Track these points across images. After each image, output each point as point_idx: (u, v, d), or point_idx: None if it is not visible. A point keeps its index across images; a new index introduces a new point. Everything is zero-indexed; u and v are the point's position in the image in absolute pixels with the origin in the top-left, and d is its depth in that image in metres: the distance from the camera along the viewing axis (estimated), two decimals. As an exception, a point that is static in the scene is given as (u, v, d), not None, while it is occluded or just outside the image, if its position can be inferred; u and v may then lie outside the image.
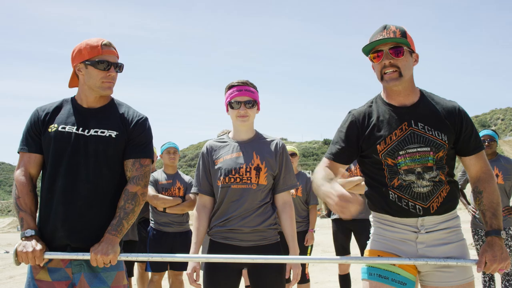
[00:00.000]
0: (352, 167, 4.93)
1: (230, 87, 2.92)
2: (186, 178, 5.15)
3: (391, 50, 2.28)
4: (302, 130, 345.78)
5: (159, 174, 5.09)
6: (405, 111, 2.32)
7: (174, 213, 4.90)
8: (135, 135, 2.47)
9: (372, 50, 2.34)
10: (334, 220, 5.47)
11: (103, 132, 2.42)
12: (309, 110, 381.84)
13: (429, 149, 2.25)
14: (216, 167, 2.86)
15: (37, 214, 2.42)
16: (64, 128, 2.41)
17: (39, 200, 2.43)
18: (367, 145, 2.34)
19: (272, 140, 2.95)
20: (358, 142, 2.37)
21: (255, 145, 2.90)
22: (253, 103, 2.88)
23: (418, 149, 2.25)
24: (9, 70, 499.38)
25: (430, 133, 2.27)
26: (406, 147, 2.26)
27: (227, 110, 2.95)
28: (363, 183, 4.87)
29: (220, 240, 2.81)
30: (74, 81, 2.55)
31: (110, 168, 2.41)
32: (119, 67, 2.49)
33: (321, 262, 5.67)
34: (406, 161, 2.25)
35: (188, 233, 5.03)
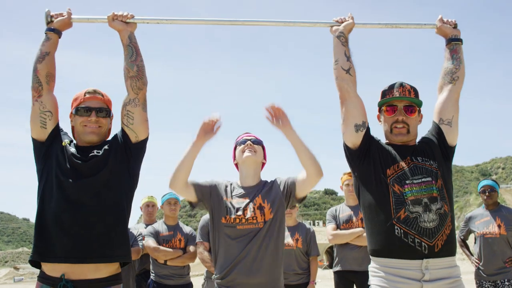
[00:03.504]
0: (354, 218, 4.89)
1: (238, 137, 3.05)
2: (187, 229, 5.14)
3: (405, 108, 2.48)
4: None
5: (160, 226, 5.08)
6: (406, 149, 2.51)
7: (175, 265, 4.86)
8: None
9: (385, 103, 2.52)
10: (336, 272, 5.41)
11: (99, 152, 2.48)
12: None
13: (431, 179, 2.38)
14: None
15: (35, 222, 2.41)
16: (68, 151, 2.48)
17: (36, 209, 2.43)
18: (375, 165, 2.45)
19: (273, 179, 3.00)
20: (370, 138, 2.54)
21: (260, 190, 2.91)
22: (260, 144, 2.98)
23: (423, 179, 2.38)
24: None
25: (428, 163, 2.43)
26: (412, 178, 2.37)
27: (234, 157, 3.01)
28: (364, 234, 4.84)
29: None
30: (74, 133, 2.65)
31: (114, 176, 2.46)
32: (103, 112, 2.53)
33: None
34: (412, 191, 2.34)
35: (189, 285, 4.97)
